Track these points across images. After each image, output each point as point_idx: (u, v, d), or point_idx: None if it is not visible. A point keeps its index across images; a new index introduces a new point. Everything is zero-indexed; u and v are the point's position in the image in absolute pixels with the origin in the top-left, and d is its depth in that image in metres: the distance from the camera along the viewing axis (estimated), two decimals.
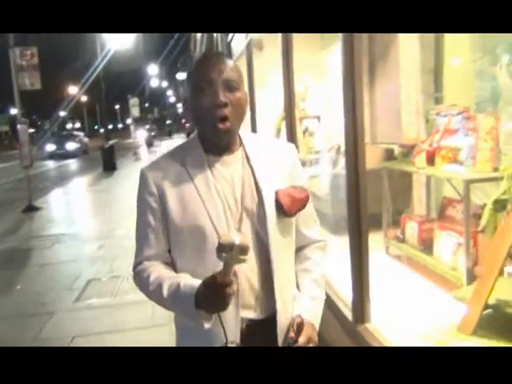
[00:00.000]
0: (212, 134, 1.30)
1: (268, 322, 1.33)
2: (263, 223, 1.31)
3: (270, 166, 1.37)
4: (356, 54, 2.43)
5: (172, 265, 1.38)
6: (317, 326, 1.39)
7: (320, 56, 7.30)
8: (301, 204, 1.35)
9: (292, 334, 1.30)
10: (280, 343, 1.33)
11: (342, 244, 4.67)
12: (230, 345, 1.27)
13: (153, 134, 33.18)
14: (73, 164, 24.60)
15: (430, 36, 4.10)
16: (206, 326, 1.22)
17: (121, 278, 5.11)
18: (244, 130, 1.42)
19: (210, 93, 1.26)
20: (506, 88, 3.10)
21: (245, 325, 1.31)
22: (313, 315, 1.38)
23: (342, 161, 6.03)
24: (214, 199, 1.30)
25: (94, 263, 5.83)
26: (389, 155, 4.68)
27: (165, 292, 1.28)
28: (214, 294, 1.15)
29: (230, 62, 1.30)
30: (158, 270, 1.35)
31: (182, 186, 1.33)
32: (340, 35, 2.49)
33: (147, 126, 38.92)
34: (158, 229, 1.37)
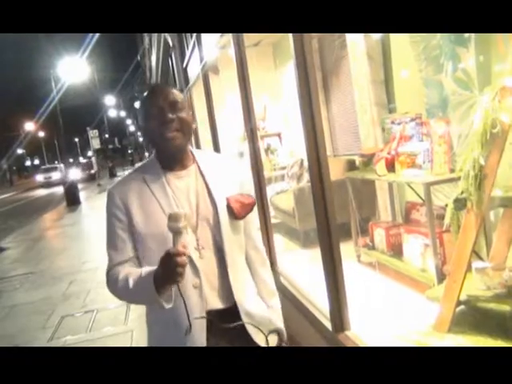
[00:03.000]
0: (165, 147, 1.52)
1: (230, 310, 1.53)
2: (217, 226, 1.53)
3: (221, 177, 1.60)
4: (309, 68, 2.51)
5: (137, 266, 1.55)
6: (281, 322, 1.73)
7: (275, 75, 7.48)
8: (249, 208, 1.60)
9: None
10: (248, 328, 1.55)
11: (313, 256, 4.74)
12: (188, 336, 1.47)
13: (110, 164, 32.91)
14: (34, 200, 23.96)
15: (378, 48, 4.27)
16: (167, 305, 1.39)
17: (95, 312, 5.02)
18: (201, 149, 1.62)
19: (159, 115, 1.48)
20: (452, 93, 3.26)
21: (210, 315, 1.50)
22: (280, 318, 1.73)
23: (306, 175, 6.15)
24: (172, 207, 1.49)
25: (66, 299, 5.69)
26: (351, 166, 4.81)
27: (130, 283, 1.46)
28: (168, 265, 1.32)
29: (173, 90, 1.53)
30: (125, 271, 1.53)
31: (144, 199, 1.52)
32: (292, 52, 2.58)
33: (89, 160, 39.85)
34: (126, 238, 1.55)
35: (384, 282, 3.55)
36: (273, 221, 5.87)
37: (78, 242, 9.86)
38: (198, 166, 1.60)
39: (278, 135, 7.55)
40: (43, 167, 41.33)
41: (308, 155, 2.64)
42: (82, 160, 39.10)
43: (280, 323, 1.72)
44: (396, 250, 3.58)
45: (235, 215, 1.55)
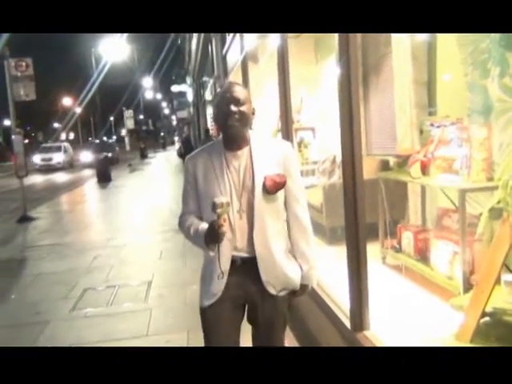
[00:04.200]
0: (227, 132, 2.02)
1: (250, 260, 2.03)
2: (253, 196, 2.00)
3: (266, 158, 2.03)
4: (352, 65, 2.47)
5: (200, 217, 2.11)
6: (311, 280, 2.17)
7: (315, 69, 7.38)
8: (280, 185, 2.00)
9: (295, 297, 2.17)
10: (263, 277, 2.03)
11: (337, 253, 4.69)
12: (221, 272, 2.01)
13: (142, 146, 32.91)
14: (66, 175, 24.32)
15: (423, 49, 4.18)
16: (211, 253, 1.97)
17: (117, 287, 5.11)
18: (258, 133, 2.11)
19: (226, 107, 1.97)
20: (497, 100, 3.16)
21: (236, 261, 2.04)
22: (307, 278, 2.14)
23: (338, 171, 6.08)
24: (224, 179, 2.01)
25: (89, 273, 5.81)
26: (384, 166, 4.73)
27: (191, 232, 2.06)
28: (212, 232, 1.90)
29: (240, 88, 2.02)
30: (190, 219, 2.11)
31: (207, 170, 2.05)
32: (336, 48, 2.54)
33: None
34: (192, 196, 2.13)
35: (408, 286, 3.49)
36: None
37: (105, 219, 10.06)
38: (250, 148, 2.05)
39: (312, 129, 7.47)
40: (43, 145, 32.03)
41: (343, 152, 2.61)
42: (97, 141, 32.17)
43: (296, 282, 2.11)
44: (423, 255, 3.51)
45: (267, 190, 1.99)
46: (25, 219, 9.81)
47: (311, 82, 7.30)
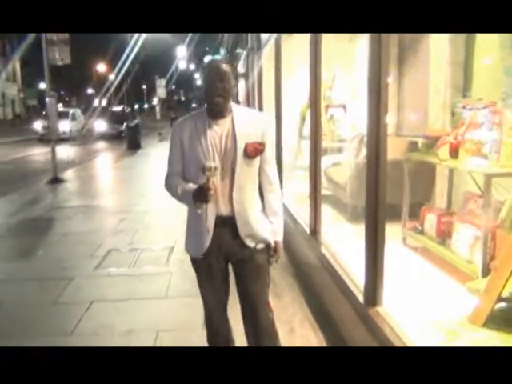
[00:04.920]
0: (211, 105, 2.27)
1: (230, 218, 2.30)
2: (235, 160, 2.25)
3: (246, 126, 2.28)
4: (383, 46, 2.43)
5: (184, 178, 2.34)
6: (281, 235, 2.45)
7: (348, 46, 7.24)
8: (259, 152, 2.28)
9: (273, 256, 2.43)
10: (240, 232, 2.31)
11: (358, 231, 4.69)
12: (206, 231, 2.29)
13: (173, 116, 33.02)
14: (68, 149, 20.64)
15: None
16: (198, 211, 2.24)
17: (140, 250, 5.24)
18: (239, 105, 2.43)
19: (210, 84, 2.23)
20: None
21: (218, 218, 2.30)
22: (278, 232, 2.43)
23: (365, 150, 6.02)
24: (208, 144, 2.25)
25: (115, 235, 5.96)
26: (413, 147, 4.66)
27: (179, 191, 2.30)
28: (201, 193, 2.15)
29: (223, 65, 2.25)
30: (176, 179, 2.34)
31: (192, 135, 2.29)
32: None
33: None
34: (177, 157, 2.35)
35: (426, 268, 3.48)
36: (324, 192, 5.84)
37: (132, 184, 10.24)
38: (232, 117, 2.29)
39: (343, 107, 7.38)
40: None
41: (368, 131, 2.59)
42: (115, 108, 29.02)
43: (270, 238, 2.39)
44: (445, 238, 3.49)
45: (248, 155, 2.25)
46: (55, 181, 10.06)
47: (344, 59, 7.17)
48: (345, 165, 5.77)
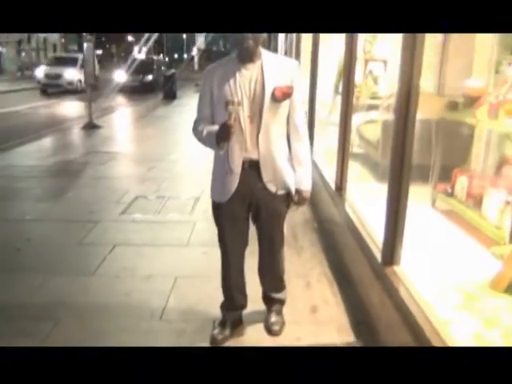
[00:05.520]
0: (241, 49, 2.31)
1: (256, 163, 2.36)
2: (262, 103, 2.30)
3: (275, 71, 2.32)
4: None
5: (212, 123, 2.40)
6: (305, 185, 2.49)
7: None
8: (287, 96, 2.33)
9: (294, 204, 2.52)
10: (263, 176, 2.38)
11: (386, 191, 4.57)
12: (230, 170, 2.35)
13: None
14: (133, 90, 20.16)
15: None
16: (221, 152, 2.33)
17: (166, 198, 5.29)
18: (268, 51, 2.42)
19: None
20: None
21: (245, 162, 2.36)
22: (302, 182, 2.49)
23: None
24: (237, 87, 2.31)
25: (143, 182, 6.03)
26: (452, 106, 4.43)
27: (204, 133, 2.38)
28: (224, 130, 2.22)
29: None
30: (203, 124, 2.41)
31: (222, 79, 2.33)
32: None
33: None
34: (207, 103, 2.41)
35: (452, 231, 3.36)
36: (355, 150, 5.68)
37: (165, 134, 10.27)
38: (262, 62, 2.33)
39: (384, 62, 7.06)
40: (53, 55, 25.13)
41: (399, 87, 2.45)
42: (139, 56, 23.99)
43: (292, 185, 2.46)
44: (475, 202, 3.34)
45: (276, 99, 2.29)
46: (90, 127, 10.18)
47: None
48: (378, 123, 5.57)
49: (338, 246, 3.80)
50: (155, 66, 21.93)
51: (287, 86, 2.32)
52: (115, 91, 17.35)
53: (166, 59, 22.02)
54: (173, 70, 17.88)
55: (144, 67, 20.50)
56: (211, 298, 2.90)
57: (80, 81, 18.54)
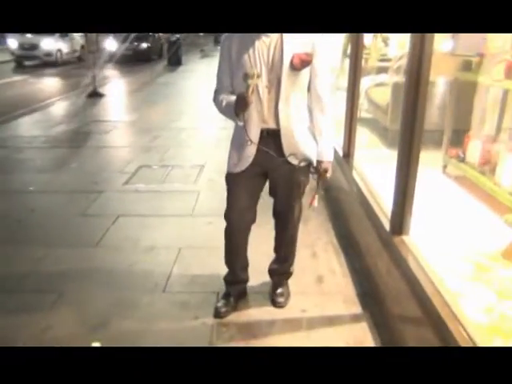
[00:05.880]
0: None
1: (275, 132, 2.27)
2: (280, 70, 2.18)
3: (296, 37, 2.17)
4: None
5: (232, 92, 2.30)
6: (327, 156, 2.36)
7: None
8: (305, 63, 2.20)
9: (315, 175, 2.38)
10: (284, 146, 2.28)
11: (395, 158, 4.44)
12: (249, 140, 2.24)
13: None
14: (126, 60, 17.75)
15: None
16: (240, 123, 2.25)
17: (170, 168, 5.19)
18: None
19: None
20: None
21: (264, 131, 2.27)
22: (324, 153, 2.35)
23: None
24: (256, 56, 2.20)
25: (147, 151, 5.93)
26: (467, 67, 4.23)
27: (223, 103, 2.30)
28: (241, 101, 2.14)
29: None
30: (223, 94, 2.32)
31: (240, 47, 2.23)
32: None
33: None
34: (227, 71, 2.31)
35: (464, 198, 3.25)
36: (364, 114, 5.51)
37: (171, 101, 10.09)
38: None
39: None
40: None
41: (410, 47, 2.29)
42: None
43: (313, 156, 2.35)
44: (488, 167, 3.20)
45: (293, 66, 2.17)
46: (94, 95, 10.03)
47: None
48: (388, 86, 5.38)
49: (345, 214, 3.71)
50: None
51: (306, 52, 2.19)
52: (105, 62, 14.29)
53: None
54: (177, 35, 17.44)
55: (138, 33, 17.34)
56: (215, 270, 2.84)
57: (60, 51, 16.75)
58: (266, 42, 2.19)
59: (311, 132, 2.35)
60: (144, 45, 18.88)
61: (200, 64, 18.44)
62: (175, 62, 16.91)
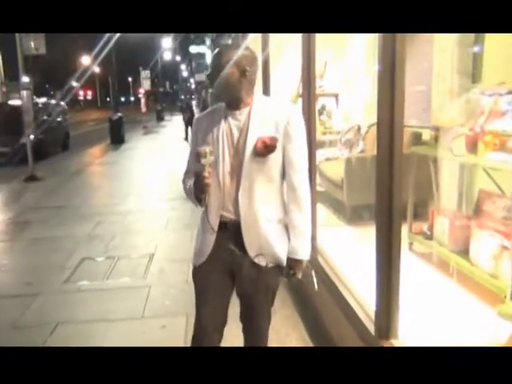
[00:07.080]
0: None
1: (236, 222, 2.00)
2: (243, 155, 1.96)
3: (264, 120, 1.96)
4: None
5: None
6: (301, 254, 2.02)
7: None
8: (270, 148, 1.93)
9: (290, 272, 2.03)
10: (245, 242, 1.99)
11: (359, 236, 4.23)
12: (211, 231, 2.02)
13: (159, 108, 32.32)
14: (80, 134, 20.73)
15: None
16: (201, 207, 2.03)
17: (116, 259, 4.74)
18: (264, 95, 2.13)
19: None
20: None
21: (223, 221, 2.02)
22: (296, 251, 2.02)
23: (362, 143, 5.56)
24: (219, 138, 1.99)
25: (90, 241, 5.44)
26: (416, 139, 4.20)
27: (187, 187, 2.11)
28: (197, 183, 1.93)
29: (219, 53, 1.98)
30: (189, 177, 2.12)
31: (208, 127, 2.05)
32: None
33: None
34: (194, 152, 2.05)
35: (440, 281, 3.02)
36: (317, 189, 5.37)
37: (114, 182, 9.69)
38: (250, 109, 1.99)
39: (336, 96, 6.90)
40: None
41: (379, 122, 2.13)
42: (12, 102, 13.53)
43: (283, 255, 2.02)
44: (461, 246, 3.03)
45: (256, 152, 1.93)
46: (31, 179, 9.49)
47: (337, 45, 6.69)
48: (340, 160, 5.31)
49: (315, 311, 3.37)
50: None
51: (272, 137, 1.92)
52: None
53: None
54: (119, 114, 17.32)
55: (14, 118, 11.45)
56: None
57: None
58: (232, 124, 1.99)
59: (284, 226, 2.03)
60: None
61: (143, 140, 18.27)
62: (118, 140, 16.64)
